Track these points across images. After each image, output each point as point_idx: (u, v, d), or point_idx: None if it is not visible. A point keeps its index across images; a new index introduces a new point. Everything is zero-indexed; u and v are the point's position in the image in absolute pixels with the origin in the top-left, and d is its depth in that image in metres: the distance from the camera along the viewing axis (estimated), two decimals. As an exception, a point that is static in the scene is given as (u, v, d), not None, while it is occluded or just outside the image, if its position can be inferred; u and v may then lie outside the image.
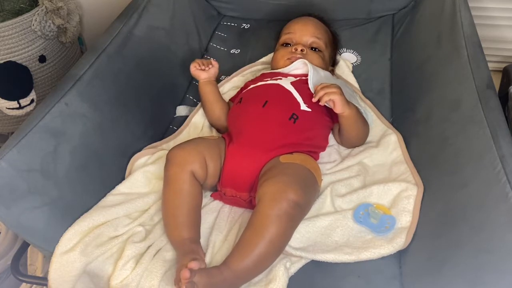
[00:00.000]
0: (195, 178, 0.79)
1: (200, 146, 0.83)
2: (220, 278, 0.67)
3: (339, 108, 0.85)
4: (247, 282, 0.70)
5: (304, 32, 1.03)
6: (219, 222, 0.82)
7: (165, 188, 0.80)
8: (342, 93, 0.85)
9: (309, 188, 0.77)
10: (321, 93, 0.84)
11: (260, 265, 0.70)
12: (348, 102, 0.86)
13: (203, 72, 0.99)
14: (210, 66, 0.99)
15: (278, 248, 0.71)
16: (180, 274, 0.64)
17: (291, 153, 0.83)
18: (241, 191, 0.82)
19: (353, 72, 1.12)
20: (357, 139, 0.94)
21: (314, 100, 0.86)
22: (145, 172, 0.88)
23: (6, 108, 1.29)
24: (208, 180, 0.82)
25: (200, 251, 0.74)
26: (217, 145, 0.85)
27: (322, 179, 0.85)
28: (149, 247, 0.76)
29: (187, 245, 0.74)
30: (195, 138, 0.88)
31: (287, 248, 0.74)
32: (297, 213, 0.72)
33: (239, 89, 1.05)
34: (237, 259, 0.69)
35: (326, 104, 0.88)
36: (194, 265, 0.66)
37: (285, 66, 1.00)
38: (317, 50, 1.03)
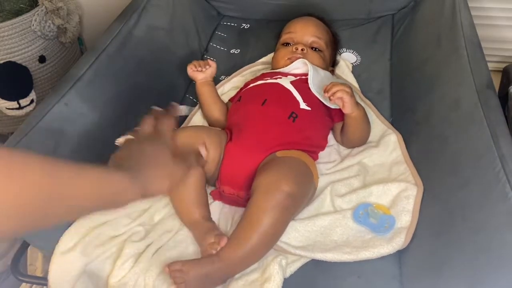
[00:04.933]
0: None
1: (200, 131, 0.85)
2: (211, 268, 0.68)
3: (348, 108, 0.85)
4: (238, 272, 0.71)
5: (305, 32, 1.03)
6: (219, 223, 0.82)
7: None
8: (353, 94, 0.85)
9: (303, 181, 0.77)
10: (334, 89, 0.84)
11: (253, 256, 0.71)
12: (357, 103, 0.87)
13: (199, 73, 0.99)
14: (207, 66, 0.99)
15: (271, 239, 0.72)
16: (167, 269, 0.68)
17: (288, 150, 0.83)
18: (239, 189, 0.82)
19: (353, 72, 1.12)
20: (360, 139, 0.94)
21: (327, 95, 0.85)
22: (145, 172, 0.87)
23: (6, 108, 1.29)
24: (208, 165, 0.83)
25: (216, 226, 0.78)
26: (218, 135, 0.86)
27: (318, 177, 0.85)
28: (148, 246, 0.76)
29: (202, 223, 0.77)
30: (196, 125, 0.89)
31: (285, 247, 0.74)
32: (291, 205, 0.72)
33: (239, 89, 1.05)
34: (230, 249, 0.70)
35: (330, 105, 0.89)
36: (223, 242, 0.71)
37: (285, 66, 1.00)
38: (317, 50, 1.03)
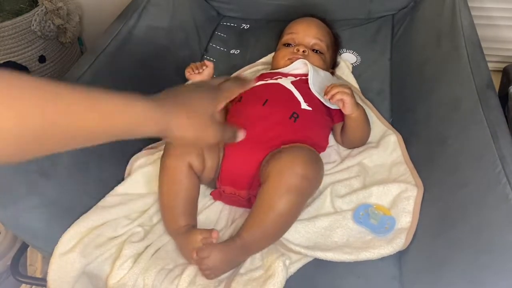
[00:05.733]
0: (192, 170, 0.80)
1: None
2: (234, 251, 0.71)
3: (348, 109, 0.85)
4: (254, 253, 0.74)
5: (307, 33, 1.03)
6: (219, 224, 0.82)
7: (161, 178, 0.81)
8: (353, 94, 0.86)
9: (315, 163, 0.77)
10: (334, 91, 0.85)
11: (270, 237, 0.73)
12: (357, 104, 0.87)
13: (197, 75, 0.98)
14: (204, 67, 0.99)
15: (287, 222, 0.74)
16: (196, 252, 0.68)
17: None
18: (240, 189, 0.82)
19: (353, 72, 1.12)
20: (360, 140, 0.94)
21: (327, 97, 0.86)
22: (144, 173, 0.87)
23: (6, 108, 1.29)
24: (205, 173, 0.83)
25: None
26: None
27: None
28: (147, 247, 0.76)
29: (186, 230, 0.76)
30: None
31: (286, 243, 0.74)
32: (306, 186, 0.74)
33: (238, 89, 1.05)
34: (247, 232, 0.71)
35: (330, 106, 0.89)
36: (215, 234, 0.71)
37: (286, 66, 1.00)
38: (318, 52, 1.03)
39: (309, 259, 0.75)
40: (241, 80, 0.66)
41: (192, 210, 0.80)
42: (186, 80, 1.16)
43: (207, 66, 0.99)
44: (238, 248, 0.71)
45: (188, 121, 0.54)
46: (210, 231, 0.72)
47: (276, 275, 0.69)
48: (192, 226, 0.78)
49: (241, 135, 0.65)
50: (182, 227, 0.77)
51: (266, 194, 0.72)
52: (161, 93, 0.56)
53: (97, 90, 0.45)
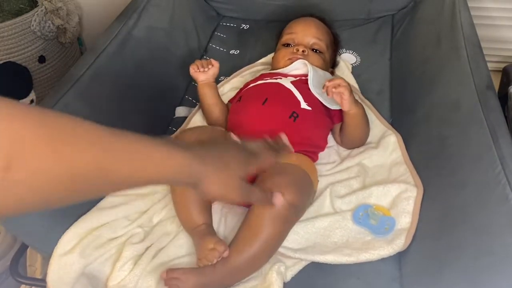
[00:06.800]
0: None
1: (206, 132, 0.83)
2: (211, 277, 0.68)
3: (346, 105, 0.85)
4: (236, 282, 0.71)
5: (306, 33, 1.03)
6: (219, 223, 0.82)
7: None
8: (351, 91, 0.85)
9: (304, 190, 0.77)
10: (336, 82, 0.84)
11: (253, 264, 0.71)
12: (355, 101, 0.87)
13: (201, 74, 0.97)
14: (210, 66, 0.98)
15: (272, 248, 0.72)
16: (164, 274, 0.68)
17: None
18: None
19: (352, 72, 1.12)
20: (359, 139, 0.94)
21: (324, 90, 0.85)
22: (144, 173, 0.87)
23: (6, 108, 1.29)
24: None
25: (215, 232, 0.76)
26: (223, 135, 0.86)
27: (318, 181, 0.85)
28: (147, 248, 0.76)
29: (203, 229, 0.75)
30: (202, 126, 0.88)
31: (285, 251, 0.74)
32: (292, 215, 0.73)
33: (238, 89, 1.05)
34: (230, 256, 0.70)
35: (330, 106, 0.88)
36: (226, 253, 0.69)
37: (285, 66, 1.00)
38: (318, 51, 1.02)
39: (309, 261, 0.75)
40: (278, 148, 0.68)
41: (206, 206, 0.79)
42: (186, 80, 1.16)
43: (212, 65, 0.98)
44: (216, 275, 0.69)
45: (219, 181, 0.55)
46: (223, 246, 0.70)
47: (272, 286, 0.68)
48: (208, 225, 0.77)
49: (278, 201, 0.67)
50: (199, 225, 0.76)
51: (251, 220, 0.71)
52: (197, 145, 0.57)
53: (144, 139, 0.45)
